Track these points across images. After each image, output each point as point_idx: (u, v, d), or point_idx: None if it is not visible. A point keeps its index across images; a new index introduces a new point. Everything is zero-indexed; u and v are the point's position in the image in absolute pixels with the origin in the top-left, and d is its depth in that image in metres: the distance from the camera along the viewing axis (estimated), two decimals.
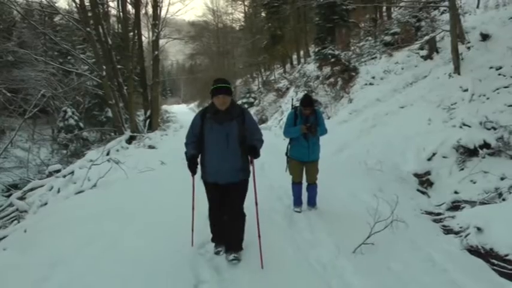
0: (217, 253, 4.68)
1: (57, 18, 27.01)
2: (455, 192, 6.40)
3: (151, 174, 9.56)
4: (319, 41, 21.11)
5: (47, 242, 5.17)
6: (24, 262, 4.66)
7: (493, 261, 4.35)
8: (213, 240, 4.83)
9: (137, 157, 12.10)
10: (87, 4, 18.53)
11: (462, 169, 6.79)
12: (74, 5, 20.06)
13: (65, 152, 19.36)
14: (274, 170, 8.73)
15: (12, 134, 16.53)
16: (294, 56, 32.33)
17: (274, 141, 12.09)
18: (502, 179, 5.98)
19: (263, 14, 33.59)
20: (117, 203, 6.83)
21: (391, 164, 8.02)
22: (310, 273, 4.17)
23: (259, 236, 4.32)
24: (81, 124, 20.46)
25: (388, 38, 15.73)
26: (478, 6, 13.40)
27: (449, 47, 9.85)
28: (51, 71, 20.37)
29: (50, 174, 10.21)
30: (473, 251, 4.61)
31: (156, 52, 21.49)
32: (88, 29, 17.34)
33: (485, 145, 6.66)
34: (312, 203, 6.25)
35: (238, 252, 4.50)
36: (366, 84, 14.48)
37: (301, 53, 30.94)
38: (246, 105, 27.12)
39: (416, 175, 7.35)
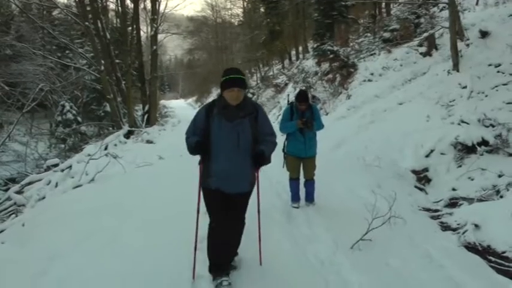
0: (220, 285, 3.72)
1: (55, 12, 26.86)
2: (453, 189, 6.42)
3: (149, 169, 9.56)
4: (318, 36, 21.08)
5: (45, 236, 5.16)
6: (22, 256, 4.64)
7: (490, 258, 4.37)
8: (214, 271, 3.83)
9: (135, 152, 12.12)
10: None
11: (460, 166, 6.82)
12: None
13: (62, 146, 19.38)
14: (273, 165, 8.70)
15: (10, 127, 16.45)
16: (293, 52, 32.27)
17: None
18: (499, 176, 6.01)
19: (262, 10, 33.48)
20: (115, 198, 6.81)
21: (389, 160, 8.04)
22: (308, 269, 4.17)
23: (259, 239, 4.23)
24: (79, 118, 20.42)
25: (387, 35, 15.75)
26: (477, 3, 13.43)
27: (449, 44, 9.87)
28: (50, 65, 20.31)
29: (48, 168, 10.22)
30: (471, 247, 4.62)
31: (155, 47, 21.47)
32: (86, 23, 17.29)
33: (484, 142, 6.68)
34: (309, 199, 6.24)
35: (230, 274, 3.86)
36: (364, 80, 14.50)
37: (300, 48, 30.89)
38: None
39: (414, 171, 7.37)
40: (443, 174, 6.92)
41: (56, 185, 8.43)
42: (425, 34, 13.14)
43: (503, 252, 4.36)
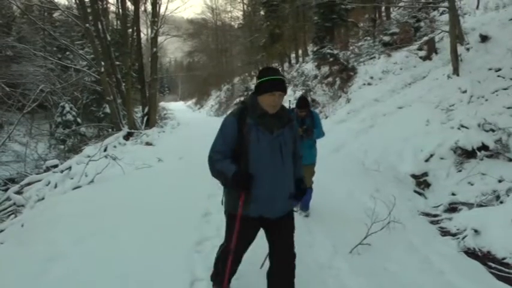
0: None
1: (56, 14, 26.87)
2: (453, 194, 6.41)
3: (148, 171, 9.55)
4: (318, 40, 21.13)
5: (44, 237, 5.16)
6: (22, 256, 4.64)
7: (490, 264, 4.37)
8: (219, 283, 3.44)
9: (134, 154, 12.08)
10: (87, 0, 18.50)
11: (460, 171, 6.81)
12: (73, 1, 20.04)
13: (62, 147, 19.36)
14: None
15: (11, 128, 16.48)
16: (293, 55, 32.33)
17: None
18: (499, 181, 6.00)
19: (262, 13, 33.53)
20: (114, 199, 6.80)
21: (389, 164, 8.04)
22: (306, 273, 4.16)
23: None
24: (78, 120, 20.38)
25: (387, 38, 15.77)
26: (477, 7, 13.45)
27: (448, 48, 9.86)
28: (50, 66, 20.30)
29: (48, 169, 10.21)
30: (470, 253, 4.63)
31: (155, 49, 21.46)
32: (87, 24, 17.25)
33: (484, 147, 6.67)
34: (304, 206, 6.02)
35: None
36: (364, 84, 14.51)
37: (300, 52, 30.95)
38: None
39: (413, 176, 7.36)
40: (443, 179, 6.91)
41: (55, 186, 8.42)
42: (425, 38, 13.16)
43: (504, 259, 4.36)
